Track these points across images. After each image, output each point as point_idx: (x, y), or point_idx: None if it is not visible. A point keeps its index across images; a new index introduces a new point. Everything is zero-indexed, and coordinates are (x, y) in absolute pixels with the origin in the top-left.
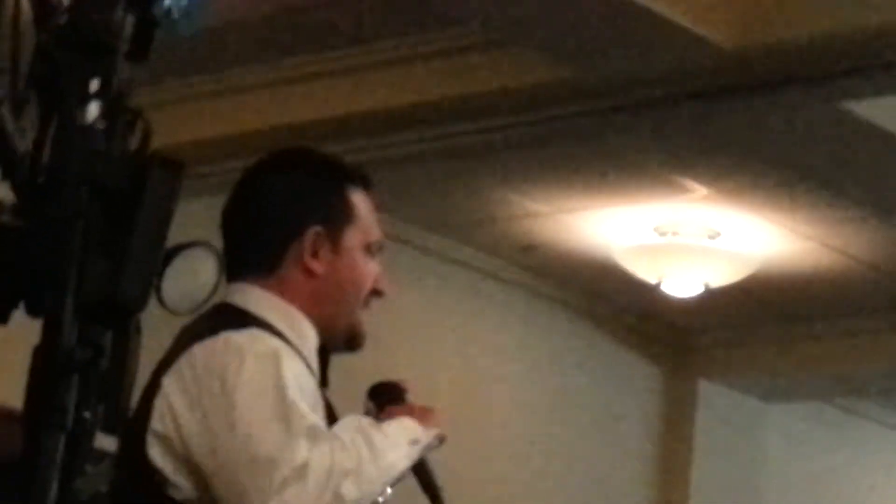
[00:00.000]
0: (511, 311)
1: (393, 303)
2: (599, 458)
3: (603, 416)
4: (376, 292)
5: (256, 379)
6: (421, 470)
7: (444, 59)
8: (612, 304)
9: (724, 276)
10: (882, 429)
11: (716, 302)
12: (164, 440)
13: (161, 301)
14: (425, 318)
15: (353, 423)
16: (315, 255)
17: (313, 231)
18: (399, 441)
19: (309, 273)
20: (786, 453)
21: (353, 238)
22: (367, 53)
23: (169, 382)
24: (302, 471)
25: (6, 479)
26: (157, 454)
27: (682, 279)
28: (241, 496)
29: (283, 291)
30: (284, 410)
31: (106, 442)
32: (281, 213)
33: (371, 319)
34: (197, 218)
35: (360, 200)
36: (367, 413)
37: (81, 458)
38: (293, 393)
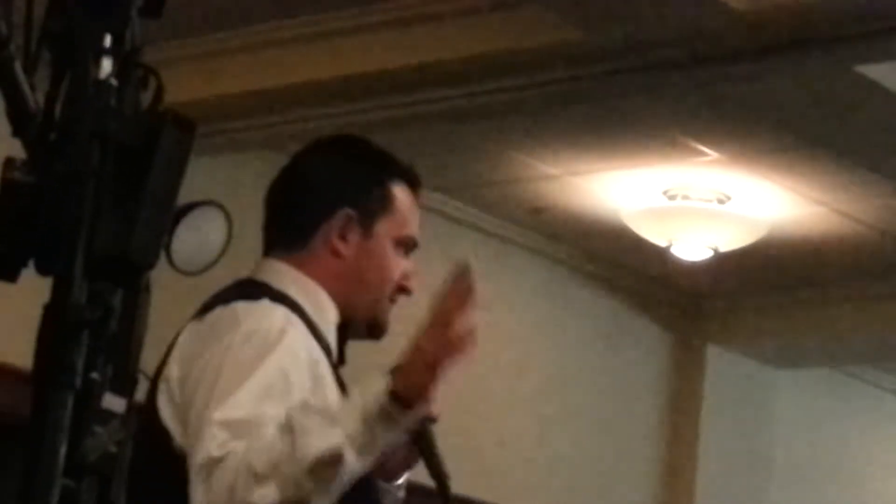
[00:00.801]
0: (518, 273)
1: None
2: (606, 422)
3: (610, 379)
4: (403, 289)
5: (239, 361)
6: (428, 454)
7: (454, 19)
8: (621, 268)
9: (733, 240)
10: (891, 396)
11: (725, 266)
12: (169, 402)
13: (170, 260)
14: (430, 280)
15: (299, 409)
16: (343, 237)
17: (345, 213)
18: (326, 423)
19: (335, 253)
20: (794, 419)
21: (385, 228)
22: (377, 13)
23: (178, 349)
24: (210, 467)
25: (16, 439)
26: (166, 416)
27: (692, 243)
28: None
29: (307, 267)
30: (227, 399)
31: (115, 403)
32: (317, 192)
33: None
34: (205, 177)
35: (401, 194)
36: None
37: (90, 417)
38: (257, 380)
